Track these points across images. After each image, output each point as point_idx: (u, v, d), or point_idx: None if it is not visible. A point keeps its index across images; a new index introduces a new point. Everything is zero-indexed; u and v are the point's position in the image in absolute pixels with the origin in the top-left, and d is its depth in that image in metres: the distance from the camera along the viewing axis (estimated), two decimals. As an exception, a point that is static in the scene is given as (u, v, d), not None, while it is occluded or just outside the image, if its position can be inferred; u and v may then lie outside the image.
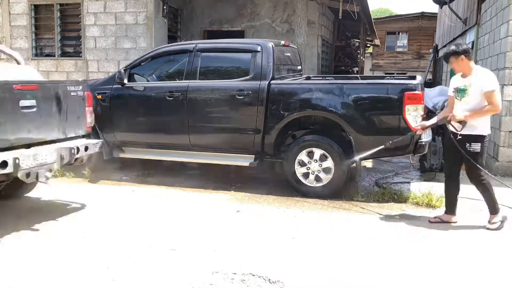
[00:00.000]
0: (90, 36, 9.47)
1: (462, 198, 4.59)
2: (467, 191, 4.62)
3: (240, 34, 10.64)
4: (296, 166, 5.32)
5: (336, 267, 3.44)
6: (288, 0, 10.25)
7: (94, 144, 4.79)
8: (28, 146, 4.13)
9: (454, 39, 11.78)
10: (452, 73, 4.53)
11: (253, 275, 3.28)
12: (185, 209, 4.88)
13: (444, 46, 14.11)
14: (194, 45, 5.86)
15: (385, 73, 23.99)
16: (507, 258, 3.64)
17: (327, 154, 5.20)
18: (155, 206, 4.96)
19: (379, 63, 26.86)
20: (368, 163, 7.14)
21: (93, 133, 5.48)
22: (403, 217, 4.65)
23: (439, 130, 7.54)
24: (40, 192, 5.50)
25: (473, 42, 9.10)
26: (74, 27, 9.72)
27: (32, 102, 4.12)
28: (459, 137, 4.20)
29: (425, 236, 4.13)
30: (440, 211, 4.85)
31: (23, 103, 4.04)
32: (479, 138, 4.16)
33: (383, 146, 4.71)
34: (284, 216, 4.66)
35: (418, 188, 5.55)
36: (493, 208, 4.28)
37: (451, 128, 4.26)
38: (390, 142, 4.68)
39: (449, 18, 12.06)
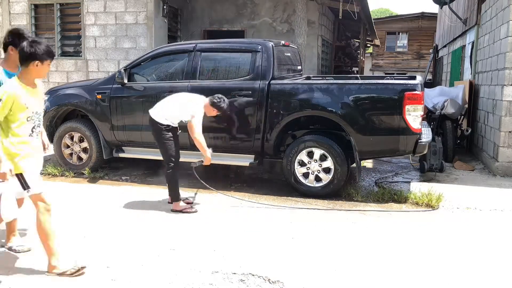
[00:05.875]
0: (90, 36, 9.48)
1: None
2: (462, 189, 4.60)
3: (240, 34, 10.64)
4: (296, 166, 5.33)
5: (336, 267, 3.44)
6: (288, 0, 10.25)
7: None
8: None
9: (454, 39, 11.78)
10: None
11: (253, 275, 3.28)
12: (185, 209, 4.88)
13: (444, 46, 14.10)
14: (194, 45, 5.85)
15: (385, 73, 24.03)
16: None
17: (327, 154, 5.21)
18: (155, 206, 4.96)
19: (379, 63, 26.87)
20: (368, 163, 7.14)
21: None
22: (403, 217, 4.65)
23: (439, 130, 7.56)
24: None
25: (473, 42, 9.10)
26: (74, 27, 9.73)
27: None
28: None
29: (425, 236, 4.13)
30: (440, 211, 4.86)
31: None
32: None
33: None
34: (284, 216, 4.66)
35: (418, 188, 5.55)
36: (173, 197, 4.80)
37: None
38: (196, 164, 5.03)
39: (449, 18, 12.06)
